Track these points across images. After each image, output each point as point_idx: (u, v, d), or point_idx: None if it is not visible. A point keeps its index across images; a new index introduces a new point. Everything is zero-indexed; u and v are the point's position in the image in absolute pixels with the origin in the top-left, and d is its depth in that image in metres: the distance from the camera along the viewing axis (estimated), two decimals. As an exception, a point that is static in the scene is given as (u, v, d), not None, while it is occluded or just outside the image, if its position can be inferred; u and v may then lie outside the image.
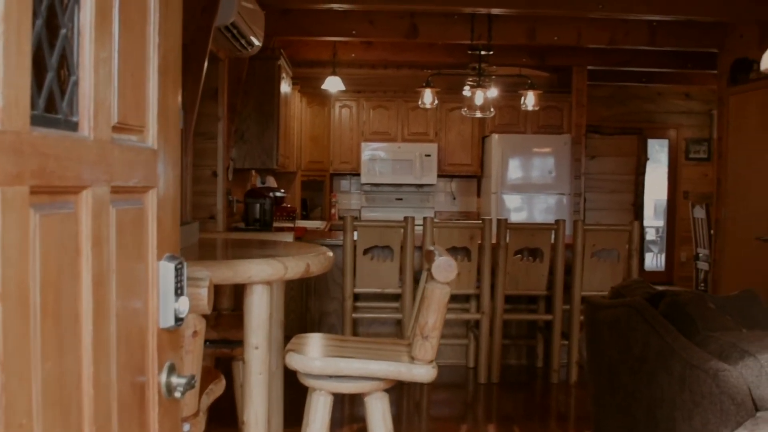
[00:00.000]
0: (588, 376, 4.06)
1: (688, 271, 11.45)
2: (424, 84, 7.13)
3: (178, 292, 1.57)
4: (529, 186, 9.25)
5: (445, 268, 2.73)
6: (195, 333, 1.96)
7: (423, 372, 2.82)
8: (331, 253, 2.93)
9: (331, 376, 2.80)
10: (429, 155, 9.64)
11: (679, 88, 11.41)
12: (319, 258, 2.75)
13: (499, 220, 6.06)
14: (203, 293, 1.86)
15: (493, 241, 6.07)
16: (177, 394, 1.47)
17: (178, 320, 1.57)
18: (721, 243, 7.87)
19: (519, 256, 6.17)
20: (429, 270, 2.89)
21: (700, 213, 10.16)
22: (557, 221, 6.12)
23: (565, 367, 6.27)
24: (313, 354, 2.78)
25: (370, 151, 9.64)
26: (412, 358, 2.84)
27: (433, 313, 2.76)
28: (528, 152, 9.28)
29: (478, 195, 10.21)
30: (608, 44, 7.56)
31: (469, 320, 6.40)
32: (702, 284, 10.52)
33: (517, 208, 9.24)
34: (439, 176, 9.80)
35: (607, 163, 11.32)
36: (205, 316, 2.06)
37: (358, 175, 9.81)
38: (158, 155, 1.47)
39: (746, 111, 7.41)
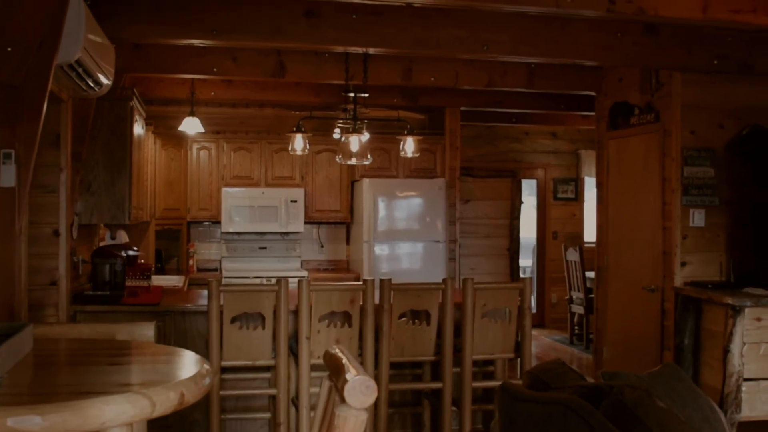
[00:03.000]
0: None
1: (559, 312, 11.25)
2: (294, 129, 6.51)
3: None
4: (403, 233, 8.76)
5: (362, 391, 2.12)
6: None
7: None
8: (209, 368, 2.26)
9: None
10: (295, 201, 9.01)
11: (546, 128, 11.26)
12: (195, 383, 2.08)
13: (382, 281, 5.50)
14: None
15: (376, 302, 5.51)
16: None
17: None
18: (603, 291, 7.58)
19: (404, 318, 5.62)
20: (336, 386, 2.27)
21: (573, 255, 9.96)
22: (445, 280, 5.61)
23: (456, 437, 5.76)
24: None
25: (231, 197, 8.91)
26: (319, 503, 2.21)
27: (346, 446, 2.14)
28: (401, 197, 8.79)
29: (348, 242, 9.64)
30: (486, 86, 7.17)
31: (350, 390, 5.78)
32: (576, 327, 10.32)
33: (389, 257, 8.72)
34: (305, 223, 9.17)
35: (480, 206, 11.00)
36: None
37: (219, 222, 9.04)
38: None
39: (627, 156, 7.17)
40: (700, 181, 6.39)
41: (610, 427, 2.62)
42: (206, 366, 2.26)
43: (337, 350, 2.50)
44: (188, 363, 2.33)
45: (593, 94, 7.60)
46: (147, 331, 3.12)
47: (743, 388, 5.86)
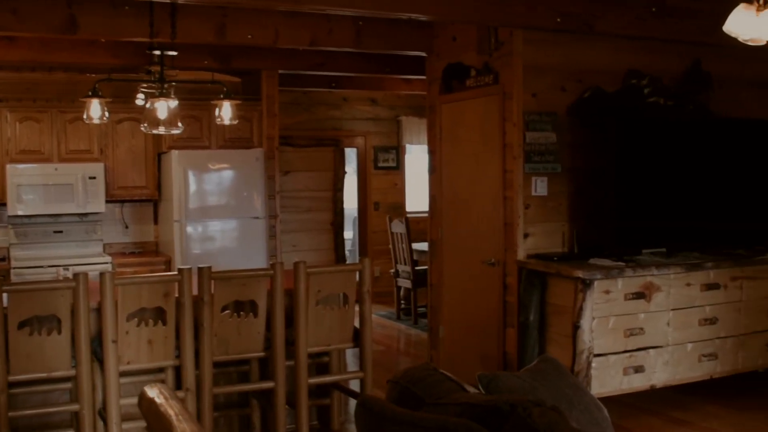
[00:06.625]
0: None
1: (383, 286, 10.77)
2: (89, 93, 5.56)
3: None
4: (217, 210, 7.94)
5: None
6: None
7: None
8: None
9: None
10: (94, 177, 7.97)
11: (366, 94, 10.72)
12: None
13: (200, 269, 4.74)
14: None
15: (194, 294, 4.75)
16: None
17: None
18: (438, 265, 7.11)
19: (227, 311, 4.89)
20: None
21: (398, 227, 9.50)
22: (273, 265, 4.93)
23: (291, 439, 5.12)
24: None
25: (18, 175, 7.75)
26: None
27: None
28: (214, 170, 7.96)
29: (156, 222, 8.69)
30: (310, 45, 6.48)
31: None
32: (403, 302, 9.91)
33: (203, 237, 7.89)
34: (107, 202, 8.12)
35: (302, 178, 10.31)
36: None
37: (4, 205, 7.84)
38: None
39: (463, 121, 6.69)
40: (542, 147, 6.00)
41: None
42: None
43: (159, 397, 1.77)
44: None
45: (424, 54, 7.07)
46: None
47: (593, 365, 5.55)
